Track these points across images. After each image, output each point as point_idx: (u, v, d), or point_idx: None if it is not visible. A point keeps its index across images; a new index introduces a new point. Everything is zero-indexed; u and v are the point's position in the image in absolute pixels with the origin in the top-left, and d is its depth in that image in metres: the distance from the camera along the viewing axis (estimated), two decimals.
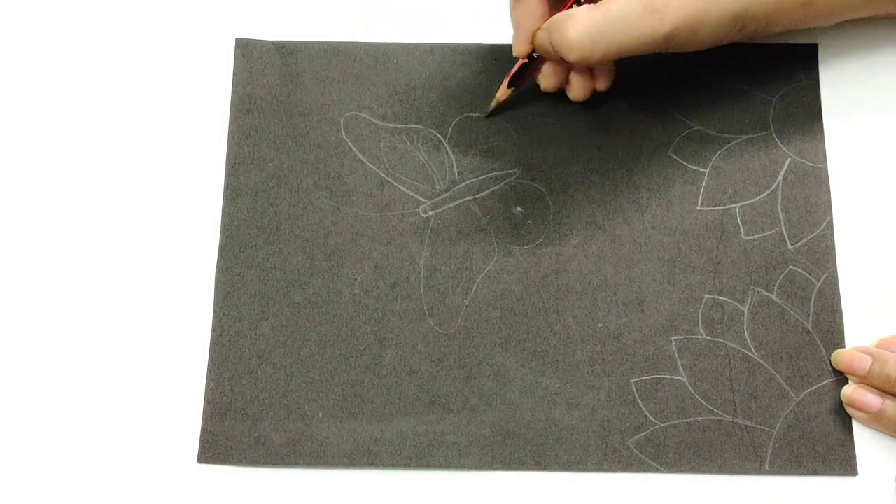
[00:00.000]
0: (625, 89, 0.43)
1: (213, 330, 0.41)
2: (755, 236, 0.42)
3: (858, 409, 0.39)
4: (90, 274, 0.42)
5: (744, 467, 0.39)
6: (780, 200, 0.43)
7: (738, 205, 0.43)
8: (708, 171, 0.43)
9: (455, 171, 0.44)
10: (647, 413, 0.40)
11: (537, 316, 0.41)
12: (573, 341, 0.41)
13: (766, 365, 0.40)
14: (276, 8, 0.47)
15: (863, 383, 0.40)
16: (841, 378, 0.40)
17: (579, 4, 0.40)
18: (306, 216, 0.43)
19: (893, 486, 0.39)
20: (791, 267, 0.42)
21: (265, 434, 0.40)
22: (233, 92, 0.45)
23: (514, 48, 0.42)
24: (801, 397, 0.40)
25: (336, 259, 0.42)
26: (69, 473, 0.40)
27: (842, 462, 0.39)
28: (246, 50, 0.45)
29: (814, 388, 0.40)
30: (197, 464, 0.40)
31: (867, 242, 0.42)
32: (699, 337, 0.41)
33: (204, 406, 0.40)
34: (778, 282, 0.41)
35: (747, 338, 0.41)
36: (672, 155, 0.44)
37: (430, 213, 0.43)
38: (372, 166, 0.44)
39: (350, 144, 0.44)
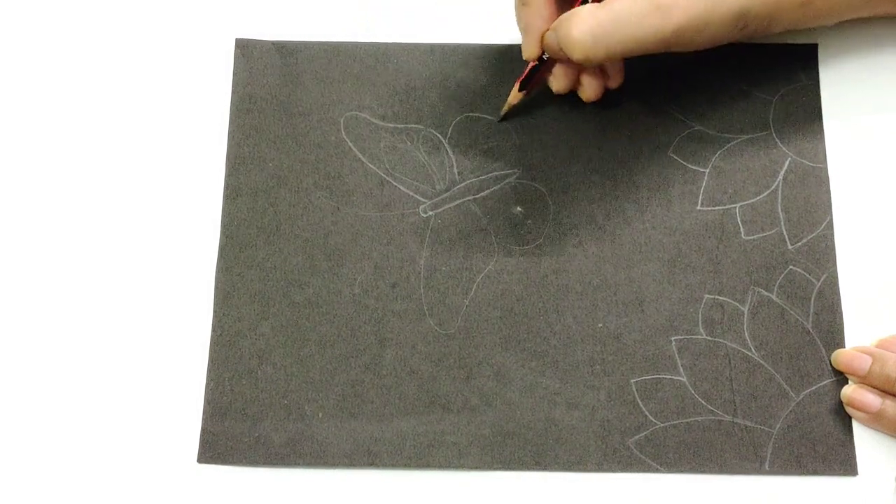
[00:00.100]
0: (625, 89, 0.43)
1: (213, 330, 0.41)
2: (755, 236, 0.42)
3: (858, 409, 0.39)
4: (90, 274, 0.42)
5: (744, 467, 0.39)
6: (780, 200, 0.43)
7: (738, 205, 0.43)
8: (708, 171, 0.43)
9: (455, 171, 0.44)
10: (647, 413, 0.40)
11: (537, 316, 0.41)
12: (573, 341, 0.41)
13: (766, 365, 0.40)
14: (276, 8, 0.47)
15: (863, 383, 0.40)
16: (841, 378, 0.40)
17: (586, 3, 0.40)
18: (306, 216, 0.43)
19: (893, 486, 0.39)
20: (791, 267, 0.42)
21: (265, 434, 0.40)
22: (233, 92, 0.45)
23: (523, 51, 0.42)
24: (801, 397, 0.40)
25: (336, 259, 0.42)
26: (69, 473, 0.40)
27: (842, 462, 0.39)
28: (246, 50, 0.45)
29: (814, 388, 0.40)
30: (197, 464, 0.40)
31: (867, 242, 0.42)
32: (699, 337, 0.41)
33: (204, 406, 0.40)
34: (778, 282, 0.41)
35: (747, 338, 0.41)
36: (672, 155, 0.44)
37: (430, 213, 0.43)
38: (372, 166, 0.44)
39: (350, 144, 0.44)
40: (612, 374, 0.40)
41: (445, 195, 0.43)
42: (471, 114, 0.44)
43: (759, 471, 0.39)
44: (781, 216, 0.42)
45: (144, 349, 0.41)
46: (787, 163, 0.43)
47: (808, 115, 0.44)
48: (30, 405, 0.41)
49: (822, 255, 0.42)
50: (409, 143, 0.44)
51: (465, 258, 0.42)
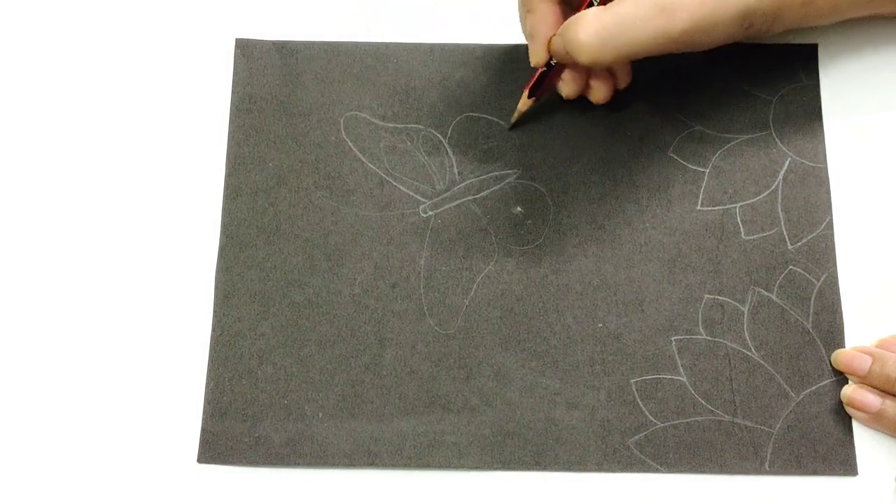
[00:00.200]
0: (625, 90, 0.43)
1: (213, 330, 0.41)
2: (755, 236, 0.42)
3: (858, 409, 0.39)
4: (90, 274, 0.42)
5: (744, 467, 0.39)
6: (780, 200, 0.43)
7: (738, 205, 0.43)
8: (708, 171, 0.43)
9: (455, 171, 0.44)
10: (647, 413, 0.40)
11: (537, 316, 0.41)
12: (573, 341, 0.41)
13: (766, 365, 0.40)
14: (276, 8, 0.47)
15: (863, 383, 0.40)
16: (841, 378, 0.40)
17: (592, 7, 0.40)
18: (306, 216, 0.43)
19: (893, 486, 0.39)
20: (791, 267, 0.42)
21: (265, 434, 0.40)
22: (233, 92, 0.45)
23: (531, 58, 0.42)
24: (801, 397, 0.40)
25: (336, 259, 0.42)
26: (69, 473, 0.40)
27: (842, 462, 0.39)
28: (246, 50, 0.45)
29: (814, 388, 0.40)
30: (197, 464, 0.40)
31: (867, 242, 0.42)
32: (699, 337, 0.41)
33: (204, 406, 0.40)
34: (778, 282, 0.41)
35: (747, 338, 0.41)
36: (672, 155, 0.44)
37: (430, 213, 0.43)
38: (372, 166, 0.44)
39: (350, 144, 0.44)
40: (612, 374, 0.40)
41: (445, 195, 0.43)
42: (471, 114, 0.44)
43: (759, 471, 0.39)
44: (781, 216, 0.42)
45: (145, 349, 0.41)
46: (787, 163, 0.43)
47: (808, 115, 0.44)
48: (30, 405, 0.41)
49: (822, 255, 0.42)
50: (409, 143, 0.44)
51: (465, 258, 0.42)
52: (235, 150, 0.44)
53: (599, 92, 0.42)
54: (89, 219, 0.43)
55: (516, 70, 0.45)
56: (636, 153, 0.44)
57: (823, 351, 0.41)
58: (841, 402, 0.40)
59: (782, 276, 0.42)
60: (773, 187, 0.43)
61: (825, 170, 0.43)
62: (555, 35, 0.40)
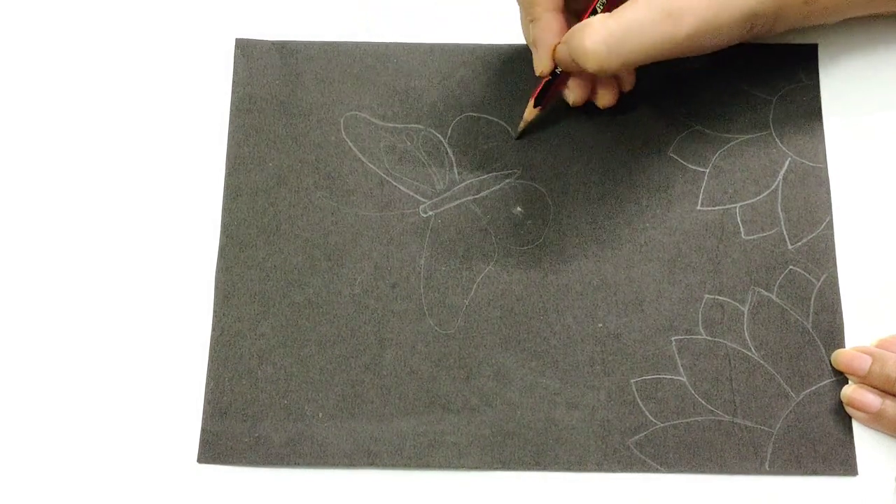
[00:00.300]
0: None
1: (213, 330, 0.41)
2: (755, 236, 0.42)
3: (858, 409, 0.39)
4: (90, 274, 0.42)
5: (744, 467, 0.39)
6: (780, 200, 0.43)
7: (738, 205, 0.43)
8: (708, 171, 0.43)
9: (455, 171, 0.44)
10: (647, 413, 0.40)
11: (537, 316, 0.41)
12: (573, 341, 0.41)
13: (766, 365, 0.40)
14: (276, 8, 0.47)
15: (863, 383, 0.40)
16: (841, 378, 0.40)
17: (597, 15, 0.40)
18: (306, 216, 0.43)
19: (893, 486, 0.39)
20: (791, 267, 0.42)
21: (265, 434, 0.40)
22: (233, 92, 0.45)
23: (535, 67, 0.42)
24: (801, 397, 0.40)
25: (336, 259, 0.42)
26: (69, 473, 0.40)
27: (842, 462, 0.39)
28: (246, 50, 0.45)
29: (814, 388, 0.40)
30: (197, 464, 0.40)
31: (867, 242, 0.42)
32: (699, 337, 0.41)
33: (204, 406, 0.40)
34: (778, 282, 0.41)
35: (747, 338, 0.41)
36: (672, 155, 0.44)
37: (430, 213, 0.43)
38: (372, 166, 0.44)
39: (350, 144, 0.44)
40: (612, 374, 0.40)
41: (445, 195, 0.43)
42: (471, 114, 0.44)
43: (759, 471, 0.39)
44: (781, 216, 0.42)
45: (145, 349, 0.41)
46: (787, 163, 0.43)
47: (808, 115, 0.44)
48: (30, 405, 0.41)
49: (822, 255, 0.42)
50: (409, 143, 0.44)
51: (465, 258, 0.42)
52: (235, 150, 0.44)
53: (605, 97, 0.42)
54: (89, 219, 0.43)
55: (516, 70, 0.45)
56: (636, 153, 0.44)
57: (823, 351, 0.41)
58: (841, 402, 0.40)
59: (782, 276, 0.42)
60: (773, 187, 0.43)
61: (825, 170, 0.43)
62: (559, 43, 0.40)
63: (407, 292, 0.42)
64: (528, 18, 0.41)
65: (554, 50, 0.40)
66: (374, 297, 0.42)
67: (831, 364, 0.40)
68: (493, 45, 0.45)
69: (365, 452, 0.40)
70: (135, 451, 0.40)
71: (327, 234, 0.43)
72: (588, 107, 0.44)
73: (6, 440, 0.40)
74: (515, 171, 0.44)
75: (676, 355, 0.41)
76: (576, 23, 0.40)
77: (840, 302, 0.41)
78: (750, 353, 0.41)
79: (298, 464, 0.40)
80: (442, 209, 0.43)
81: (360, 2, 0.47)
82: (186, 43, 0.46)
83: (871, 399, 0.39)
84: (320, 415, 0.40)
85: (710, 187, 0.43)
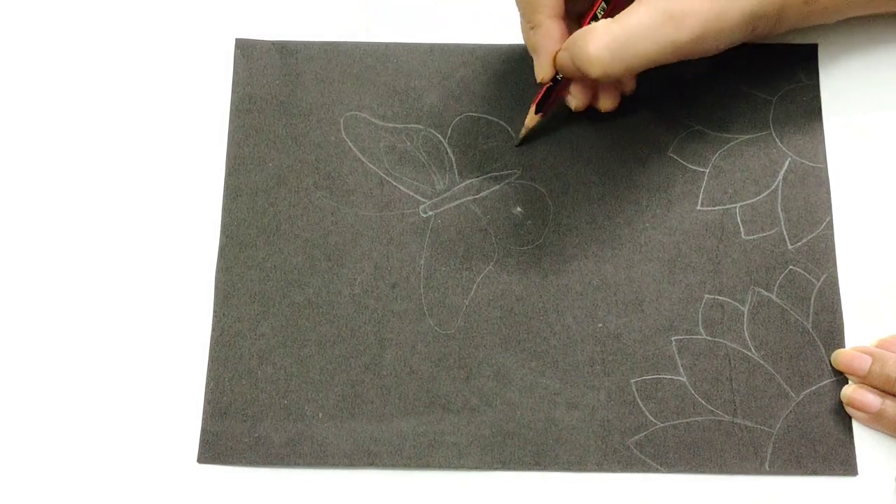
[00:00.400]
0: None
1: (213, 330, 0.41)
2: (755, 236, 0.42)
3: (858, 409, 0.39)
4: (90, 274, 0.42)
5: (744, 467, 0.39)
6: (780, 200, 0.43)
7: (738, 205, 0.43)
8: (708, 171, 0.43)
9: (455, 171, 0.44)
10: (647, 413, 0.40)
11: (537, 316, 0.41)
12: (573, 341, 0.41)
13: (766, 365, 0.40)
14: (276, 8, 0.47)
15: (863, 383, 0.40)
16: (841, 378, 0.40)
17: (597, 20, 0.40)
18: (306, 216, 0.43)
19: (893, 486, 0.39)
20: (791, 267, 0.42)
21: (265, 434, 0.40)
22: (233, 92, 0.45)
23: (537, 73, 0.41)
24: (801, 397, 0.40)
25: (336, 259, 0.42)
26: (69, 473, 0.40)
27: (842, 462, 0.39)
28: (246, 50, 0.45)
29: (814, 388, 0.40)
30: (197, 464, 0.40)
31: (867, 242, 0.42)
32: (699, 337, 0.41)
33: (204, 406, 0.40)
34: (778, 282, 0.41)
35: (747, 338, 0.41)
36: (672, 155, 0.44)
37: (430, 213, 0.43)
38: (372, 166, 0.44)
39: (350, 144, 0.44)
40: (612, 374, 0.40)
41: (445, 195, 0.43)
42: (471, 114, 0.44)
43: (759, 471, 0.39)
44: (781, 216, 0.42)
45: (145, 349, 0.41)
46: (787, 163, 0.43)
47: (808, 115, 0.44)
48: (30, 405, 0.41)
49: (822, 255, 0.42)
50: (409, 143, 0.44)
51: (465, 258, 0.42)
52: (235, 151, 0.44)
53: (607, 102, 0.42)
54: (89, 219, 0.43)
55: (516, 70, 0.45)
56: (636, 153, 0.44)
57: (823, 351, 0.41)
58: (841, 402, 0.40)
59: (782, 276, 0.42)
60: (773, 187, 0.43)
61: (825, 170, 0.43)
62: (561, 50, 0.40)
63: (407, 292, 0.42)
64: (529, 25, 0.41)
65: (555, 56, 0.40)
66: (374, 297, 0.42)
67: (831, 364, 0.40)
68: (493, 45, 0.45)
69: (365, 452, 0.40)
70: (135, 451, 0.40)
71: (327, 234, 0.43)
72: (588, 110, 0.44)
73: (7, 440, 0.40)
74: (515, 171, 0.44)
75: (676, 355, 0.41)
76: (576, 29, 0.40)
77: (840, 302, 0.41)
78: (750, 353, 0.41)
79: (298, 464, 0.40)
80: (442, 209, 0.43)
81: (360, 2, 0.47)
82: (186, 43, 0.46)
83: (871, 399, 0.39)
84: (320, 415, 0.40)
85: (710, 187, 0.43)
